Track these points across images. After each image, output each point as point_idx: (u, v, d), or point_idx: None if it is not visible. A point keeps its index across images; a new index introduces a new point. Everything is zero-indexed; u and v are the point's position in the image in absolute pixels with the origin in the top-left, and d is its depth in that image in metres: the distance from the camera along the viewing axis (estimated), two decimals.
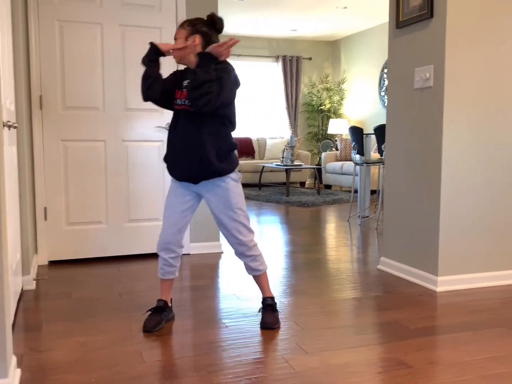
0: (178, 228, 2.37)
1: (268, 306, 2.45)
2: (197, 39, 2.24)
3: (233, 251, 2.42)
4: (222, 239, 4.11)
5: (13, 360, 1.86)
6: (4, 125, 2.16)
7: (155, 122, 3.79)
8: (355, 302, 2.79)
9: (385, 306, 2.72)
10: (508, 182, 3.10)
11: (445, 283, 2.98)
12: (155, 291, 2.97)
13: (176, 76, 2.37)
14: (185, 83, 2.27)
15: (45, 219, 3.60)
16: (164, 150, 3.80)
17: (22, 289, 2.98)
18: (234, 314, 2.58)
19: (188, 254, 3.93)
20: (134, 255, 3.84)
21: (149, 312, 2.44)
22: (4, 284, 1.71)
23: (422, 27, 3.06)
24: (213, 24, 2.29)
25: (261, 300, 2.50)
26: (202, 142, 2.23)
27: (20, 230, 2.96)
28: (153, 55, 2.33)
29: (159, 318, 2.39)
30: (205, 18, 2.31)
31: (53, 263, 3.64)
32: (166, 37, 3.76)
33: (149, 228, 3.83)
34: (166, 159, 2.38)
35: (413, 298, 2.85)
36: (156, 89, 2.30)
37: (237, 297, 2.88)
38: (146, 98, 2.34)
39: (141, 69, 3.69)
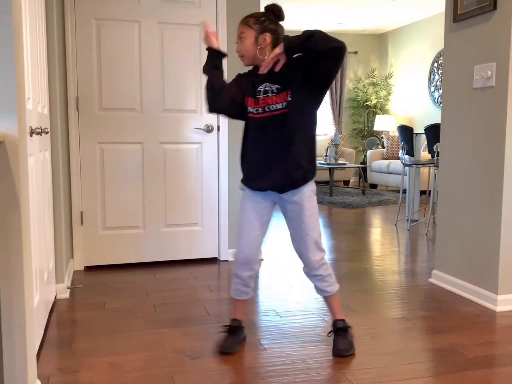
0: (258, 243, 2.18)
1: (340, 330, 2.22)
2: (268, 38, 2.05)
3: (273, 258, 2.25)
4: (262, 245, 3.94)
5: None
6: (32, 132, 2.05)
7: (194, 124, 3.65)
8: (405, 323, 2.56)
9: (439, 328, 2.48)
10: None
11: (505, 302, 2.71)
12: (189, 303, 2.82)
13: (242, 81, 2.15)
14: (263, 87, 2.06)
15: (82, 223, 3.51)
16: (203, 152, 3.66)
17: (55, 298, 2.90)
18: (273, 334, 2.40)
19: (227, 261, 3.78)
20: (171, 261, 3.71)
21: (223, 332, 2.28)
22: (26, 306, 1.59)
23: (483, 21, 2.78)
24: (277, 16, 2.09)
25: (331, 323, 2.28)
26: (298, 149, 2.03)
27: (54, 237, 2.87)
28: (217, 60, 2.13)
29: (235, 339, 2.22)
30: (264, 11, 2.10)
31: (89, 268, 3.56)
32: None
33: (186, 234, 3.69)
34: (247, 172, 2.18)
35: (470, 319, 2.59)
36: (224, 100, 2.11)
37: (277, 313, 2.70)
38: (212, 110, 2.16)
39: (180, 69, 3.58)
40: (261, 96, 2.06)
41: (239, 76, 2.19)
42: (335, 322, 2.24)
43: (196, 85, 3.63)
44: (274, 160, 2.05)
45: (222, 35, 3.61)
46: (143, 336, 2.37)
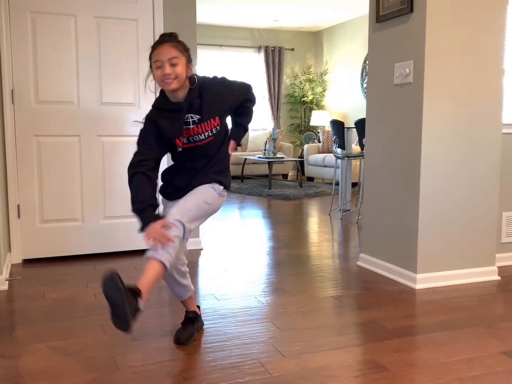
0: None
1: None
2: (191, 68, 2.04)
3: (212, 247, 2.28)
4: (202, 235, 4.06)
5: None
6: None
7: (132, 117, 3.71)
8: (335, 301, 2.76)
9: (364, 305, 2.70)
10: (486, 179, 3.09)
11: (424, 281, 2.97)
12: None
13: (159, 123, 2.05)
14: (192, 118, 2.04)
15: (18, 216, 3.50)
16: None
17: None
18: (211, 315, 2.54)
19: None
20: (111, 252, 3.77)
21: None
22: None
23: (402, 22, 3.02)
24: None
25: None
26: (220, 163, 2.18)
27: None
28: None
29: (191, 329, 2.25)
30: (170, 35, 2.04)
31: (27, 262, 3.56)
32: (142, 30, 3.67)
33: (125, 225, 3.75)
34: (167, 192, 2.19)
35: (392, 296, 2.83)
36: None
37: (214, 296, 2.83)
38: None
39: (117, 62, 3.63)
40: (191, 126, 2.06)
41: (151, 118, 2.07)
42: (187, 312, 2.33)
43: (134, 79, 3.69)
44: (194, 182, 2.12)
45: (159, 30, 3.69)
46: (84, 322, 2.45)
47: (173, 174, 2.18)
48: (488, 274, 3.13)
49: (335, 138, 5.53)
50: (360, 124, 4.96)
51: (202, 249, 3.95)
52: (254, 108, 2.26)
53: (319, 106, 9.95)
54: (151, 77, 2.02)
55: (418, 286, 2.95)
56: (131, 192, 2.03)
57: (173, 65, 1.95)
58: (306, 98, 9.83)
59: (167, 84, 1.96)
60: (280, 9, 8.35)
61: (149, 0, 3.69)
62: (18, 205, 3.50)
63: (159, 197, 2.17)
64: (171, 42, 1.97)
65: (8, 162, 3.44)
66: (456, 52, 2.92)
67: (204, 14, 8.39)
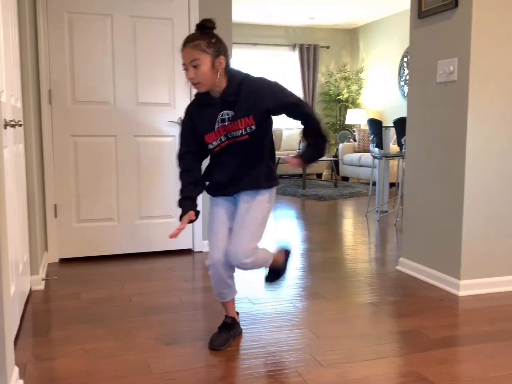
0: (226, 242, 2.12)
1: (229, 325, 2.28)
2: (223, 61, 1.98)
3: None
4: None
5: (15, 371, 1.79)
6: (6, 125, 2.08)
7: (167, 117, 3.69)
8: (373, 308, 2.67)
9: (404, 312, 2.60)
10: None
11: (467, 287, 2.85)
12: (164, 293, 2.89)
13: (193, 117, 2.09)
14: (228, 115, 2.01)
15: (55, 216, 3.53)
16: (177, 145, 3.71)
17: (30, 290, 2.92)
18: (247, 320, 2.48)
19: (201, 252, 3.84)
20: (146, 252, 3.76)
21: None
22: (4, 296, 1.63)
23: (445, 18, 2.89)
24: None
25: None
26: (260, 163, 2.12)
27: (28, 230, 2.90)
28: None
29: (227, 336, 2.19)
30: (205, 29, 1.95)
31: (63, 261, 3.58)
32: (178, 29, 3.64)
33: (160, 226, 3.74)
34: (211, 189, 2.18)
35: (433, 303, 2.72)
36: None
37: (249, 300, 2.78)
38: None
39: (153, 62, 3.61)
40: (220, 126, 2.04)
41: (190, 112, 2.11)
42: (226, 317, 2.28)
43: (169, 79, 3.67)
44: (240, 179, 2.12)
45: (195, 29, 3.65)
46: (118, 325, 2.43)
47: (211, 172, 2.17)
48: None
49: (373, 138, 5.40)
50: (400, 123, 4.83)
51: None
52: (325, 136, 2.07)
53: (355, 105, 9.79)
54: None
55: (461, 293, 2.83)
56: (180, 182, 2.16)
57: (195, 66, 1.93)
58: (341, 96, 9.68)
59: (196, 88, 2.01)
60: (316, 7, 8.24)
61: None
62: (55, 205, 3.52)
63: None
64: (192, 42, 1.93)
65: (46, 162, 3.46)
66: (504, 49, 2.78)
67: (239, 12, 8.35)
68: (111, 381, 1.88)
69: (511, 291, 2.91)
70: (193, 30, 3.65)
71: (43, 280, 3.02)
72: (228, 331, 2.22)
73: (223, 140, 2.06)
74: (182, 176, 2.14)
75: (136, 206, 3.68)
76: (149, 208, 3.71)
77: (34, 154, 2.95)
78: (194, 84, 1.97)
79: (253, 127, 2.03)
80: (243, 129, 2.02)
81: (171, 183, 3.74)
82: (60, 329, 2.38)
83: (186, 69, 1.96)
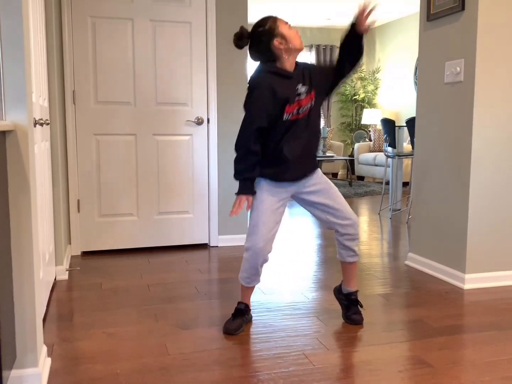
0: (273, 234, 2.26)
1: (356, 301, 2.46)
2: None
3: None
4: None
5: (44, 350, 1.95)
6: (36, 123, 2.24)
7: (185, 116, 3.84)
8: (381, 299, 2.78)
9: (411, 303, 2.71)
10: None
11: (472, 281, 2.94)
12: (180, 283, 3.04)
13: (275, 87, 2.13)
14: (302, 88, 2.17)
15: (78, 211, 3.71)
16: (194, 143, 3.86)
17: (55, 279, 3.10)
18: (258, 308, 2.62)
19: (217, 246, 3.99)
20: (163, 246, 3.92)
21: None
22: (35, 278, 1.79)
23: (453, 20, 3.00)
24: None
25: (343, 291, 2.48)
26: (318, 141, 2.32)
27: (53, 223, 3.07)
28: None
29: (240, 321, 2.33)
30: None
31: (85, 254, 3.76)
32: (196, 32, 3.79)
33: (178, 221, 3.90)
34: (277, 172, 2.24)
35: (439, 296, 2.82)
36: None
37: (261, 291, 2.91)
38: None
39: (171, 64, 3.77)
40: (301, 98, 2.18)
41: (269, 86, 2.14)
42: (352, 293, 2.45)
43: (187, 80, 3.82)
44: (307, 156, 2.26)
45: (212, 33, 3.81)
46: (138, 312, 2.58)
47: (277, 152, 2.20)
48: None
49: (386, 137, 5.50)
50: (412, 123, 4.91)
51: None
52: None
53: (371, 105, 9.86)
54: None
55: (466, 286, 2.93)
56: (239, 164, 2.20)
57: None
58: (357, 96, 9.76)
59: (301, 43, 2.16)
60: (332, 8, 8.34)
61: (202, 3, 3.81)
62: (78, 200, 3.70)
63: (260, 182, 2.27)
64: None
65: (69, 159, 3.64)
66: (508, 50, 2.87)
67: (256, 14, 8.49)
68: (130, 360, 2.03)
69: None
70: (210, 33, 3.84)
71: (67, 270, 3.19)
72: (241, 316, 2.36)
73: (294, 113, 2.18)
74: (248, 156, 2.17)
75: (154, 202, 3.84)
76: (167, 204, 3.87)
77: (59, 151, 3.13)
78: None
79: (313, 102, 2.21)
80: (310, 102, 2.20)
81: (188, 180, 3.90)
82: (83, 315, 2.54)
83: (292, 29, 2.17)
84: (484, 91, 2.85)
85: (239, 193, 2.21)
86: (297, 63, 2.22)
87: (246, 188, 2.22)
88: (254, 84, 2.17)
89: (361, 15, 2.13)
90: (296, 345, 2.16)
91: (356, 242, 2.37)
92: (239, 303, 2.41)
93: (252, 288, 2.41)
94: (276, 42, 2.14)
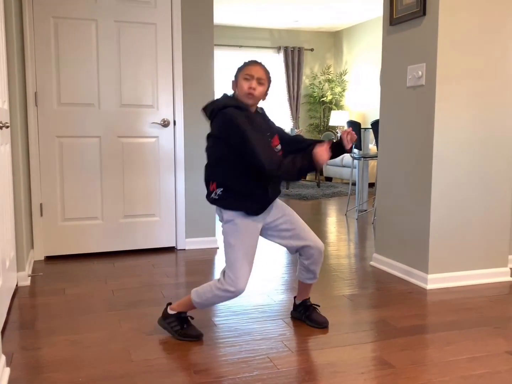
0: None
1: (313, 306, 2.50)
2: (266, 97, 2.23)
3: None
4: (218, 235, 4.13)
5: (2, 359, 1.90)
6: None
7: (151, 118, 3.81)
8: (347, 300, 2.81)
9: (375, 304, 2.75)
10: (499, 181, 3.11)
11: (435, 281, 3.00)
12: (146, 288, 3.01)
13: (253, 120, 2.14)
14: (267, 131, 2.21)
15: (41, 215, 3.63)
16: (160, 146, 3.83)
17: (17, 285, 3.02)
18: (225, 312, 2.61)
19: (184, 249, 3.97)
20: (129, 250, 3.87)
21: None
22: None
23: (415, 25, 3.05)
24: None
25: (300, 302, 2.50)
26: None
27: (15, 228, 3.00)
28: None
29: (193, 326, 2.32)
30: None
31: (49, 258, 3.69)
32: (161, 33, 3.76)
33: (144, 224, 3.86)
34: (257, 207, 2.18)
35: (402, 296, 2.87)
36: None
37: None
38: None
39: (137, 66, 3.73)
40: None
41: (246, 114, 2.13)
42: (306, 300, 2.48)
43: (152, 81, 3.79)
44: (277, 189, 2.30)
45: (178, 34, 3.78)
46: (101, 317, 2.54)
47: (260, 186, 2.16)
48: (500, 275, 3.14)
49: None
50: (376, 125, 4.97)
51: (218, 247, 4.03)
52: None
53: (338, 106, 9.96)
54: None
55: (429, 286, 2.98)
56: (287, 170, 2.06)
57: (259, 83, 2.14)
58: (325, 98, 9.85)
59: (248, 98, 2.13)
60: (300, 10, 8.39)
61: (168, 4, 3.78)
62: (41, 204, 3.63)
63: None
64: (263, 66, 2.19)
65: (32, 163, 3.56)
66: (468, 55, 2.94)
67: (224, 15, 8.48)
68: (93, 368, 2.00)
69: (477, 284, 3.07)
70: (175, 34, 3.83)
71: (29, 276, 3.12)
72: (190, 322, 2.32)
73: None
74: (286, 162, 2.07)
75: (120, 205, 3.80)
76: (133, 207, 3.83)
77: (20, 155, 3.06)
78: (250, 94, 2.11)
79: (279, 148, 2.22)
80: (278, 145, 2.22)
81: (154, 183, 3.86)
82: (46, 322, 2.49)
83: (248, 79, 2.12)
84: (445, 95, 2.92)
85: (309, 168, 2.08)
86: (258, 110, 2.25)
87: (309, 162, 2.04)
88: (235, 119, 2.07)
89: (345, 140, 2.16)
90: (261, 349, 2.17)
91: (319, 265, 2.38)
92: (181, 313, 2.29)
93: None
94: (233, 82, 2.21)
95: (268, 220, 2.27)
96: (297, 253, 2.37)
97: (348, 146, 2.17)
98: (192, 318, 2.33)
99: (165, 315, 2.32)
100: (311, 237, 2.34)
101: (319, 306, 2.52)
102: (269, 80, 2.19)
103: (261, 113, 2.27)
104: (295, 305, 2.53)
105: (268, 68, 2.22)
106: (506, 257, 3.17)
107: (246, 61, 2.21)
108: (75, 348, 2.19)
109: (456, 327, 2.42)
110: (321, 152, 2.01)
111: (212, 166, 2.20)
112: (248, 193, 2.15)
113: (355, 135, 2.17)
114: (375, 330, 2.38)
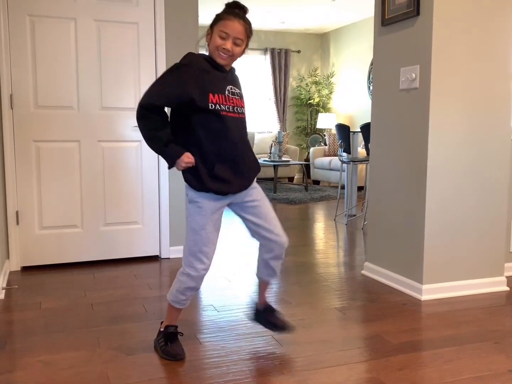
0: (214, 253, 2.10)
1: (273, 309, 2.36)
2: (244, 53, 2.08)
3: (214, 255, 2.11)
4: None
5: None
6: None
7: (132, 122, 3.65)
8: (338, 313, 2.68)
9: (368, 318, 2.62)
10: (495, 188, 3.00)
11: (430, 291, 2.88)
12: (127, 301, 2.85)
13: (201, 71, 1.97)
14: (236, 90, 2.04)
15: (17, 223, 3.45)
16: (143, 150, 3.67)
17: None
18: (210, 328, 2.47)
19: (168, 258, 3.81)
20: (111, 260, 3.70)
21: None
22: None
23: (408, 25, 2.93)
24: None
25: (261, 306, 2.35)
26: (251, 147, 2.16)
27: None
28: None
29: (179, 344, 2.16)
30: (242, 8, 2.05)
31: (26, 269, 3.50)
32: (143, 32, 3.60)
33: (126, 232, 3.69)
34: (217, 173, 1.99)
35: (397, 308, 2.75)
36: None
37: (214, 307, 2.76)
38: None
39: (118, 67, 3.57)
40: (230, 95, 2.01)
41: (199, 65, 1.98)
42: (267, 303, 2.35)
43: (134, 83, 3.63)
44: (246, 162, 2.07)
45: (161, 34, 3.63)
46: (79, 335, 2.38)
47: (213, 157, 1.99)
48: (497, 284, 3.04)
49: (341, 142, 5.45)
50: (366, 128, 4.87)
51: None
52: None
53: (326, 109, 9.86)
54: None
55: (424, 297, 2.87)
56: (145, 131, 1.96)
57: (235, 44, 1.97)
58: (312, 100, 9.74)
59: (220, 57, 1.98)
60: (287, 11, 8.28)
61: (150, 3, 3.62)
62: (17, 212, 3.45)
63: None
64: (244, 21, 1.99)
65: (7, 168, 3.38)
66: (463, 57, 2.83)
67: (210, 16, 8.32)
68: None
69: (473, 294, 2.96)
70: (158, 34, 3.67)
71: (3, 289, 2.95)
72: (177, 339, 2.17)
73: (230, 110, 2.00)
74: (151, 120, 1.94)
75: (100, 212, 3.63)
76: (114, 215, 3.66)
77: None
78: (224, 55, 1.97)
79: (244, 110, 2.08)
80: (244, 108, 2.07)
81: (137, 189, 3.70)
82: (17, 341, 2.33)
83: (223, 37, 1.96)
84: (439, 98, 2.80)
85: (173, 160, 1.96)
86: (233, 69, 2.10)
87: (174, 150, 1.96)
88: (175, 66, 1.97)
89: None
90: (250, 370, 2.02)
91: (280, 262, 2.22)
92: (168, 327, 2.16)
93: (181, 309, 2.18)
94: (208, 32, 2.04)
95: (236, 201, 2.12)
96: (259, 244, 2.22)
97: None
98: (182, 334, 2.18)
99: (158, 333, 2.21)
100: (276, 231, 2.16)
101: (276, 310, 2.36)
102: (248, 37, 2.01)
103: (233, 74, 2.11)
104: (257, 310, 2.36)
105: (249, 20, 2.01)
106: (502, 266, 3.07)
107: (227, 8, 2.00)
108: (49, 370, 2.03)
109: (454, 342, 2.30)
110: (187, 161, 1.95)
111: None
112: (209, 171, 1.99)
113: None
114: (370, 347, 2.25)
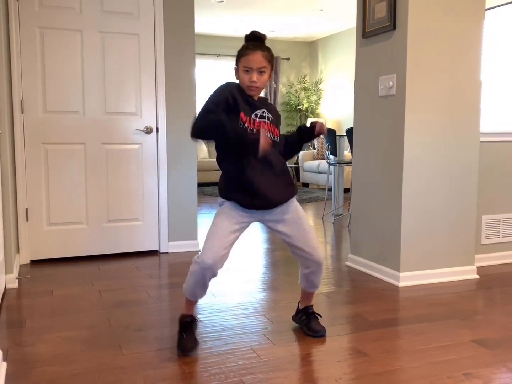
0: (226, 253, 2.15)
1: (315, 313, 2.48)
2: (272, 77, 2.22)
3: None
4: (200, 238, 4.26)
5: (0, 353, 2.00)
6: None
7: (134, 125, 3.93)
8: (324, 297, 2.97)
9: (350, 301, 2.92)
10: (465, 185, 3.31)
11: (406, 279, 3.19)
12: (132, 289, 3.12)
13: (236, 97, 2.11)
14: (266, 113, 2.15)
15: (27, 220, 3.71)
16: (143, 152, 3.95)
17: (5, 288, 3.10)
18: (209, 310, 2.75)
19: (167, 253, 4.08)
20: (114, 254, 3.98)
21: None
22: None
23: (385, 38, 3.25)
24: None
25: (302, 307, 2.49)
26: (287, 169, 2.28)
27: (2, 231, 3.08)
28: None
29: (193, 336, 2.24)
30: (259, 38, 2.15)
31: (34, 262, 3.77)
32: (144, 43, 3.89)
33: (127, 228, 3.97)
34: (245, 188, 2.12)
35: (376, 293, 3.05)
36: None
37: (212, 293, 3.04)
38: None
39: (120, 75, 3.86)
40: (257, 119, 2.12)
41: (233, 90, 2.13)
42: (308, 308, 2.47)
43: (136, 89, 3.91)
44: (276, 183, 2.17)
45: (160, 44, 3.92)
46: (91, 316, 2.65)
47: (240, 172, 2.11)
48: (468, 273, 3.35)
49: (328, 145, 5.75)
50: (351, 132, 5.17)
51: (199, 251, 4.14)
52: None
53: (314, 114, 10.19)
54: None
55: (401, 283, 3.17)
56: (207, 127, 2.08)
57: (261, 72, 2.10)
58: (301, 106, 10.07)
59: (251, 90, 2.12)
60: (276, 20, 8.60)
61: (150, 16, 3.92)
62: (27, 209, 3.71)
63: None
64: (263, 51, 2.10)
65: (18, 168, 3.65)
66: (435, 66, 3.15)
67: (202, 24, 8.63)
68: (86, 361, 2.11)
69: (446, 281, 3.26)
70: (158, 44, 3.96)
71: (16, 279, 3.20)
72: (192, 330, 2.26)
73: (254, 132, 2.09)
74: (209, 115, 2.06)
75: (104, 210, 3.90)
76: (117, 212, 3.94)
77: (9, 161, 3.15)
78: (252, 87, 2.10)
79: (278, 139, 2.20)
80: (274, 135, 2.17)
81: (138, 188, 3.98)
82: (37, 321, 2.59)
83: (248, 71, 2.09)
84: (414, 104, 3.11)
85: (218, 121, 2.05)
86: (262, 98, 2.22)
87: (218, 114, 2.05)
88: (224, 86, 2.15)
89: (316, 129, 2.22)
90: (245, 342, 2.31)
91: (319, 276, 2.35)
92: (184, 316, 2.26)
93: (196, 301, 2.28)
94: (235, 70, 2.19)
95: (266, 218, 2.23)
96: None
97: (315, 135, 2.24)
98: (199, 321, 2.38)
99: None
100: (309, 249, 2.26)
101: (320, 316, 2.47)
102: (271, 62, 2.12)
103: (264, 100, 2.24)
104: (297, 310, 2.52)
105: (268, 47, 2.12)
106: (472, 256, 3.38)
107: (245, 42, 2.13)
108: (68, 344, 2.30)
109: (425, 319, 2.60)
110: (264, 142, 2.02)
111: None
112: (234, 185, 2.14)
113: (325, 130, 2.24)
114: (351, 324, 2.55)
